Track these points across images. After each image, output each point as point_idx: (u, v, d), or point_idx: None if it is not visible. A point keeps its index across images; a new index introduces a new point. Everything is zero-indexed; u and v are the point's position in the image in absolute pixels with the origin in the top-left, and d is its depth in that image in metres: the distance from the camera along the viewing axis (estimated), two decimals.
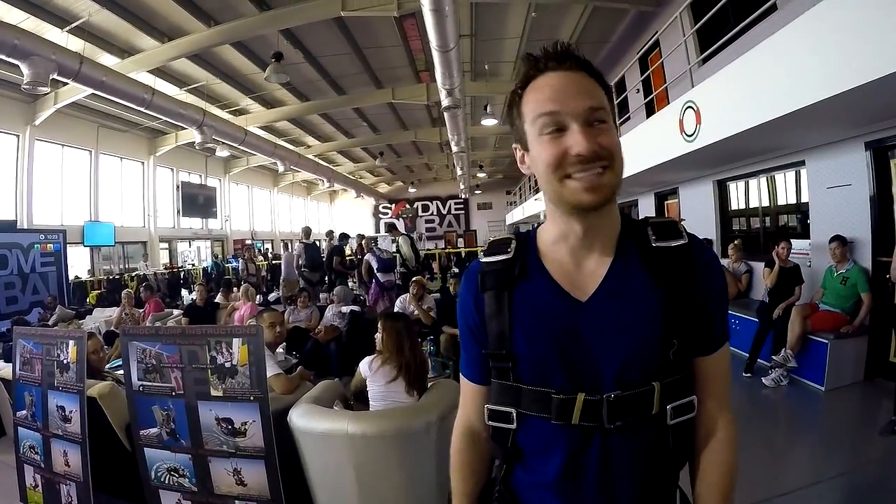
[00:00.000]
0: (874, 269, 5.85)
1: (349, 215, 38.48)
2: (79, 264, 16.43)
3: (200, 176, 24.00)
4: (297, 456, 3.18)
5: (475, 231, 37.39)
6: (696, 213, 10.31)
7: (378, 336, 3.77)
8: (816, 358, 5.80)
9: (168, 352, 3.02)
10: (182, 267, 21.13)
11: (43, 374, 3.46)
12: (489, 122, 17.05)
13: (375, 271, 9.95)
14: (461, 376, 1.33)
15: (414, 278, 8.10)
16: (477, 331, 1.22)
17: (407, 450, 2.93)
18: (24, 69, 8.96)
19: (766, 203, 8.46)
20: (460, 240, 36.53)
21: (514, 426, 1.16)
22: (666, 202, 12.39)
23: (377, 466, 3.00)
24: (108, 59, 11.65)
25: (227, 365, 2.89)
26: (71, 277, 14.28)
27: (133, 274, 17.49)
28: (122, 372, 3.41)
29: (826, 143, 6.42)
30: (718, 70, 6.16)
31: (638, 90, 11.06)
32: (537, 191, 18.33)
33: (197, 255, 24.35)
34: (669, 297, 1.09)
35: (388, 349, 3.65)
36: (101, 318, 9.55)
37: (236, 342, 2.89)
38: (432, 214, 39.03)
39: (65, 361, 3.35)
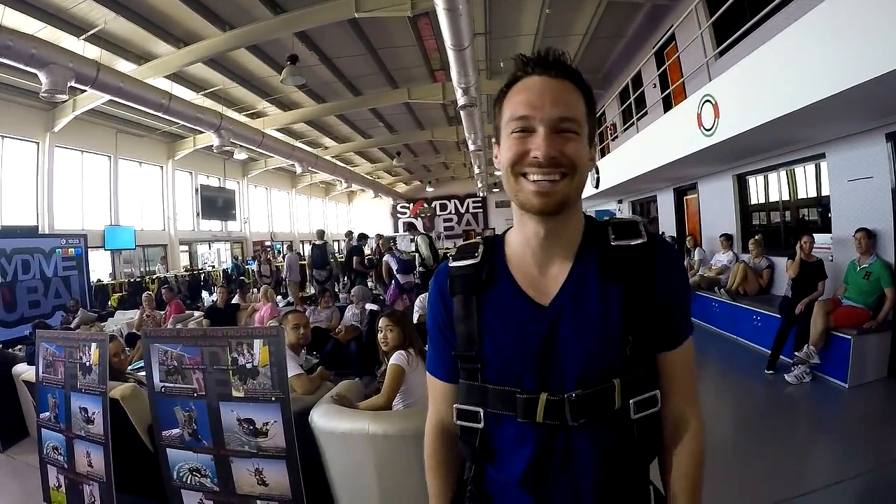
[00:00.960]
0: None
1: (367, 216, 38.57)
2: (100, 268, 16.60)
3: (219, 179, 24.15)
4: (318, 456, 3.19)
5: (493, 229, 37.21)
6: (716, 209, 10.24)
7: (389, 335, 3.79)
8: (839, 354, 5.71)
9: (189, 353, 3.04)
10: (202, 269, 21.30)
11: (66, 377, 3.51)
12: None
13: (395, 272, 9.97)
14: (429, 375, 1.36)
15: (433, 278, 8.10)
16: (446, 332, 1.26)
17: None
18: (42, 77, 9.06)
19: (786, 197, 8.36)
20: (478, 238, 36.41)
21: (481, 425, 1.18)
22: (685, 197, 12.31)
23: (398, 466, 2.99)
24: (124, 66, 11.76)
25: (249, 366, 2.91)
26: (93, 281, 14.47)
27: (154, 277, 17.66)
28: (143, 374, 3.45)
29: (846, 136, 6.33)
30: (735, 63, 6.11)
31: (655, 85, 10.99)
32: None
33: (217, 258, 24.52)
34: (626, 295, 1.11)
35: (415, 340, 3.73)
36: (122, 320, 9.64)
37: (257, 343, 2.91)
38: (450, 213, 38.97)
39: (87, 364, 3.39)
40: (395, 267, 10.00)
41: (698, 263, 10.09)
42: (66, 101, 12.39)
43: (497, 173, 30.61)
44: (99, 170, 17.37)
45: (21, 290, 11.32)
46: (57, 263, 12.37)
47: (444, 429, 1.33)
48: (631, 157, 9.96)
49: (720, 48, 7.53)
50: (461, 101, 12.37)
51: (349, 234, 15.32)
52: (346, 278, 13.30)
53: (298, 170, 21.33)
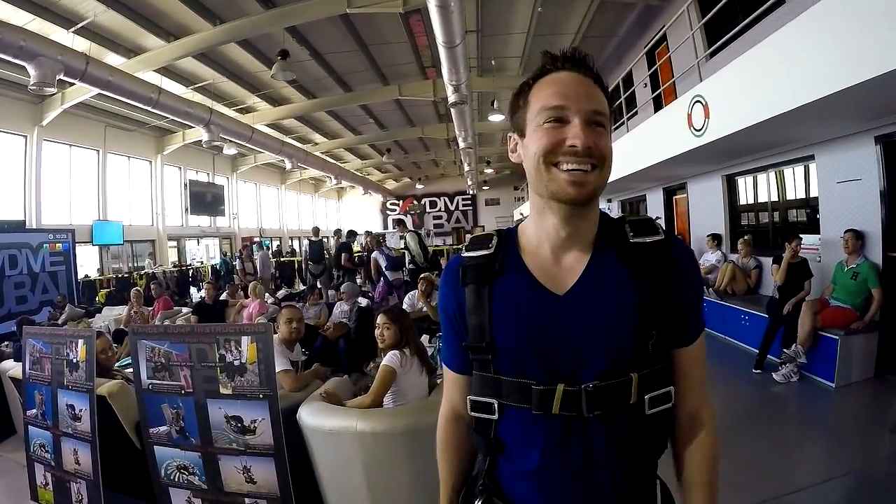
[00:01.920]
0: (885, 265, 5.81)
1: (357, 212, 38.50)
2: (88, 263, 16.52)
3: (208, 174, 24.08)
4: (306, 453, 3.19)
5: (483, 227, 37.17)
6: (705, 208, 10.28)
7: (385, 332, 3.74)
8: (826, 354, 5.75)
9: (177, 350, 3.03)
10: (190, 265, 21.20)
11: (53, 373, 3.48)
12: (496, 118, 16.98)
13: (384, 269, 9.95)
14: (444, 366, 1.38)
15: (422, 275, 8.10)
16: (457, 323, 1.26)
17: (416, 447, 2.92)
18: (31, 70, 9.00)
19: (774, 198, 8.40)
20: (468, 236, 36.42)
21: (495, 416, 1.19)
22: (674, 197, 12.35)
23: (387, 464, 3.00)
24: (114, 59, 11.69)
25: (236, 363, 2.89)
26: (80, 276, 14.36)
27: (142, 272, 17.56)
28: (131, 370, 3.42)
29: (835, 138, 6.37)
30: (726, 64, 6.14)
31: (646, 84, 11.03)
32: None
33: (206, 253, 24.42)
34: (647, 291, 1.12)
35: (412, 340, 3.69)
36: (110, 316, 9.58)
37: (245, 340, 2.89)
38: (440, 210, 39.01)
39: (74, 360, 3.36)
40: (383, 264, 9.99)
41: None
42: (54, 94, 12.36)
43: (488, 171, 30.93)
44: (87, 164, 17.28)
45: (8, 285, 11.22)
46: (44, 259, 12.26)
47: (457, 418, 1.35)
48: (621, 156, 9.92)
49: (711, 49, 7.57)
50: (452, 98, 12.38)
51: (338, 231, 15.30)
52: (334, 275, 13.34)
53: (288, 166, 21.27)
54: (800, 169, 7.62)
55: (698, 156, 7.69)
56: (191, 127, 16.59)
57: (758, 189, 8.88)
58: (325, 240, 13.48)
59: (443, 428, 1.40)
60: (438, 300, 1.36)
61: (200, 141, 15.95)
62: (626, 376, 1.09)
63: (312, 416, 3.13)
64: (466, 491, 1.35)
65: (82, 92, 12.84)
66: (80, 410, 3.32)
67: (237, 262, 13.98)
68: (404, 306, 7.21)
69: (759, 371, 6.29)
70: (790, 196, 8.08)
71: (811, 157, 6.99)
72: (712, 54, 7.70)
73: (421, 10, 9.82)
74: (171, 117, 14.36)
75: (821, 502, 3.58)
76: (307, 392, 3.61)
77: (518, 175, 33.94)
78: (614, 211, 16.08)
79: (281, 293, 12.98)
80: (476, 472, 1.33)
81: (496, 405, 1.18)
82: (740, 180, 9.30)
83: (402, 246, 11.33)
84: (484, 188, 36.41)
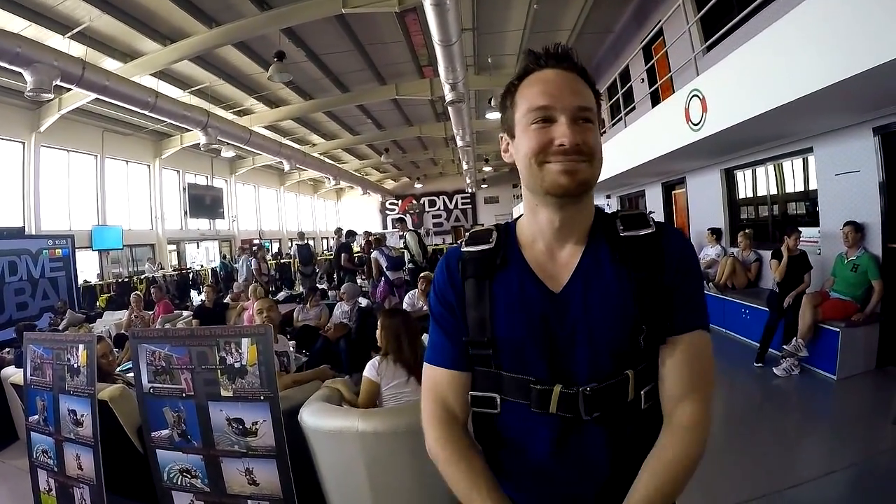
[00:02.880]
0: (885, 256, 5.81)
1: (356, 212, 38.49)
2: (88, 268, 16.51)
3: (206, 177, 24.06)
4: (308, 455, 3.19)
5: (483, 225, 36.95)
6: (704, 203, 10.28)
7: (378, 333, 3.74)
8: (828, 347, 5.75)
9: (177, 353, 3.02)
10: (190, 268, 21.20)
11: (54, 379, 3.48)
12: (494, 116, 16.88)
13: (384, 269, 9.96)
14: (429, 366, 1.28)
15: (421, 274, 8.10)
16: (454, 316, 1.24)
17: (419, 447, 2.87)
18: (27, 76, 8.98)
19: (773, 191, 8.40)
20: (467, 234, 36.39)
21: (497, 411, 1.18)
22: (673, 192, 12.36)
23: (389, 464, 2.99)
24: (110, 64, 11.68)
25: (237, 365, 2.89)
26: (80, 281, 14.37)
27: (142, 276, 17.56)
28: (132, 375, 3.42)
29: (833, 130, 6.36)
30: (723, 58, 6.14)
31: (643, 80, 11.02)
32: None
33: (205, 256, 24.42)
34: (639, 285, 1.12)
35: (392, 349, 3.58)
36: (111, 321, 9.58)
37: (245, 342, 2.89)
38: (439, 209, 38.99)
39: (75, 365, 3.36)
40: (384, 264, 9.99)
41: None
42: (51, 99, 12.34)
43: (486, 169, 30.92)
44: (85, 169, 17.27)
45: (8, 291, 11.23)
46: (44, 264, 12.27)
47: (454, 418, 1.23)
48: (619, 151, 9.97)
49: (708, 43, 7.57)
50: (449, 96, 12.35)
51: (338, 231, 15.33)
52: (335, 275, 13.43)
53: (286, 167, 21.24)
54: (798, 161, 7.62)
55: (696, 150, 7.69)
56: (188, 130, 16.59)
57: (757, 182, 8.87)
58: (310, 242, 13.63)
59: (443, 434, 1.23)
60: (433, 291, 1.31)
61: (198, 144, 15.93)
62: (622, 375, 1.10)
63: (314, 417, 3.13)
64: None
65: (79, 97, 12.83)
66: (82, 415, 3.31)
67: (252, 262, 14.02)
68: (404, 306, 7.21)
69: (760, 365, 6.29)
70: (789, 189, 8.08)
71: (810, 150, 6.98)
72: (709, 48, 7.71)
73: (417, 9, 9.79)
74: (169, 121, 14.35)
75: (823, 495, 3.57)
76: (308, 393, 3.60)
77: (517, 173, 33.66)
78: (613, 206, 16.08)
79: (281, 295, 12.99)
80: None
81: (498, 400, 1.17)
82: (739, 174, 9.30)
83: (402, 245, 11.33)
84: (483, 186, 36.36)
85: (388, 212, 38.68)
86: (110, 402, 3.48)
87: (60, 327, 9.11)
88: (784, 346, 5.99)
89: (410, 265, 10.79)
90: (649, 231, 1.16)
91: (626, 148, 9.67)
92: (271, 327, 3.02)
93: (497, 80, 14.87)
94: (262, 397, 2.86)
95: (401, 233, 11.98)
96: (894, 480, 3.72)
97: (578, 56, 1.18)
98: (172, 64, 12.08)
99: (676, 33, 8.47)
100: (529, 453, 1.16)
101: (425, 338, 4.48)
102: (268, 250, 24.18)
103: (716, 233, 9.16)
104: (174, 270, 19.91)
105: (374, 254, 10.39)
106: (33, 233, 13.81)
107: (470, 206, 38.65)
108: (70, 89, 11.34)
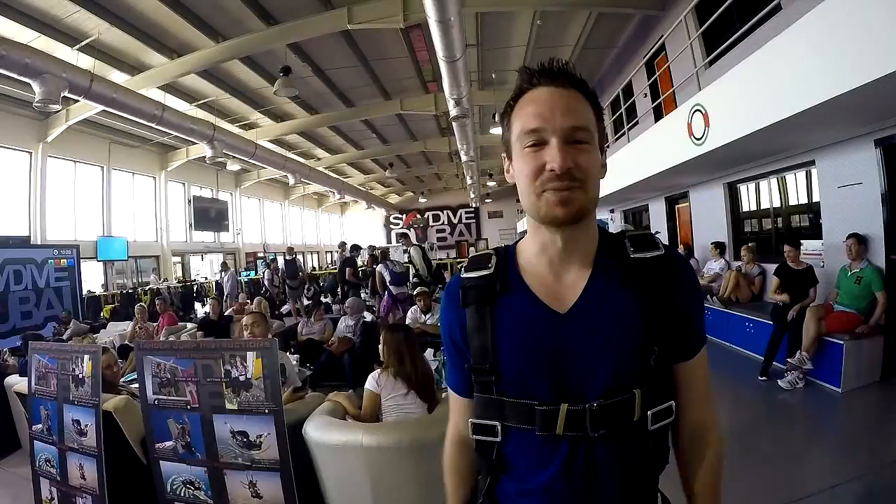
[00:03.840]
0: (888, 268, 5.80)
1: (360, 226, 38.56)
2: (92, 279, 16.52)
3: (212, 190, 24.12)
4: (312, 468, 3.19)
5: (486, 240, 37.30)
6: (707, 217, 10.28)
7: (381, 347, 3.77)
8: (832, 359, 5.73)
9: (182, 366, 3.04)
10: (195, 280, 21.23)
11: (58, 389, 3.50)
12: (498, 131, 16.87)
13: (388, 284, 9.97)
14: (448, 389, 1.36)
15: (417, 290, 8.10)
16: (460, 345, 1.24)
17: (422, 461, 2.92)
18: (36, 87, 9.06)
19: (777, 204, 8.41)
20: (472, 249, 36.41)
21: (498, 439, 1.17)
22: (677, 206, 12.36)
23: (393, 478, 2.99)
24: (118, 77, 11.77)
25: (242, 378, 2.91)
26: (85, 292, 14.40)
27: (146, 288, 17.59)
28: (136, 386, 3.43)
29: (835, 142, 6.38)
30: (725, 72, 6.17)
31: (645, 95, 11.06)
32: None
33: (210, 269, 24.45)
34: (649, 307, 1.11)
35: (391, 363, 3.62)
36: (115, 332, 9.60)
37: (250, 355, 2.91)
38: (443, 224, 38.98)
39: (80, 376, 3.38)
40: (387, 279, 10.00)
41: None
42: (59, 111, 12.38)
43: (490, 184, 30.97)
44: (92, 180, 17.32)
45: (13, 300, 11.28)
46: (49, 274, 12.33)
47: (463, 441, 1.31)
48: (622, 166, 10.00)
49: (710, 58, 7.59)
50: (453, 112, 12.43)
51: (342, 245, 15.39)
52: (338, 289, 13.49)
53: (291, 181, 21.33)
54: (801, 174, 7.64)
55: (699, 164, 7.71)
56: (194, 143, 16.65)
57: (760, 196, 8.89)
58: (296, 258, 14.27)
59: (449, 452, 1.39)
60: (440, 323, 1.34)
61: (204, 157, 16.04)
62: (628, 393, 1.08)
63: (318, 431, 3.13)
64: None
65: (87, 109, 12.90)
66: (86, 425, 3.33)
67: (265, 274, 14.31)
68: (407, 321, 7.22)
69: (764, 378, 6.26)
70: (792, 202, 8.09)
71: (812, 163, 7.00)
72: (711, 63, 7.73)
73: (421, 25, 9.88)
74: (175, 134, 14.41)
75: None
76: (312, 407, 3.60)
77: None
78: (617, 221, 16.09)
79: (285, 308, 13.00)
80: (476, 489, 1.31)
81: (499, 427, 1.16)
82: (742, 187, 9.31)
83: (406, 260, 11.35)
84: (487, 201, 36.40)
85: (392, 226, 38.70)
86: (114, 413, 3.48)
87: (64, 337, 9.13)
88: (788, 360, 5.97)
89: (415, 280, 10.79)
90: (659, 253, 1.15)
91: (630, 162, 9.69)
92: (276, 341, 3.03)
93: (501, 95, 14.94)
94: (266, 410, 2.88)
95: (404, 247, 11.99)
96: None
97: (576, 69, 1.14)
98: (179, 77, 12.19)
99: (679, 48, 8.51)
100: (536, 478, 1.14)
101: (429, 353, 4.50)
102: (273, 262, 24.24)
103: (719, 247, 9.15)
104: (178, 282, 19.92)
105: (379, 268, 10.40)
106: (39, 242, 13.85)
107: (474, 220, 38.64)
108: (78, 101, 11.40)
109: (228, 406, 2.93)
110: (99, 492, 3.28)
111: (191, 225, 22.35)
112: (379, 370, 3.65)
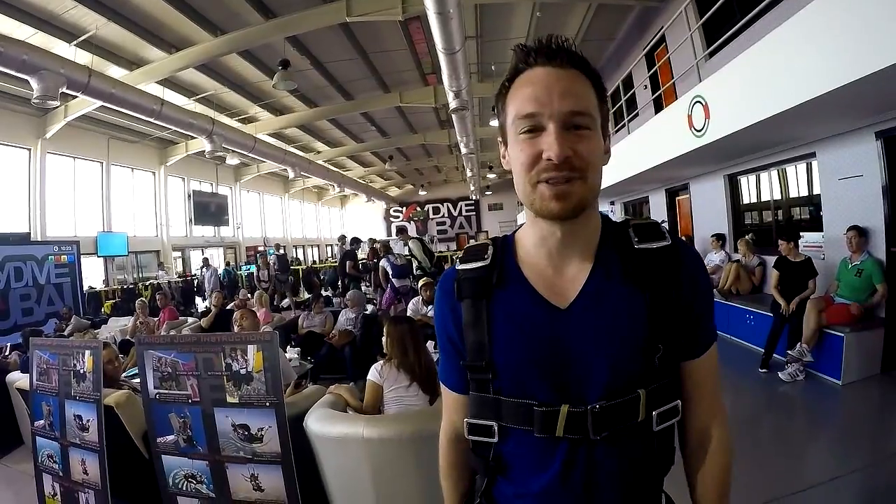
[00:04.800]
0: (889, 260, 5.80)
1: (360, 219, 38.51)
2: (93, 275, 16.51)
3: (211, 184, 24.10)
4: (313, 461, 3.20)
5: (487, 232, 37.22)
6: (708, 209, 10.28)
7: (384, 339, 3.78)
8: (832, 352, 5.74)
9: (183, 360, 3.04)
10: (195, 275, 21.24)
11: (60, 384, 3.50)
12: (497, 123, 16.96)
13: (390, 277, 9.98)
14: (442, 384, 1.30)
15: (421, 282, 8.10)
16: (454, 340, 1.19)
17: (424, 453, 2.91)
18: (34, 84, 9.04)
19: (777, 196, 8.40)
20: (471, 241, 36.18)
21: (495, 440, 1.12)
22: (677, 198, 12.36)
23: (394, 470, 3.00)
24: (116, 72, 11.75)
25: (243, 372, 2.91)
26: (85, 288, 14.39)
27: (147, 283, 17.59)
28: (138, 380, 3.44)
29: (836, 134, 6.37)
30: (726, 64, 6.15)
31: (646, 86, 11.03)
32: None
33: (212, 263, 24.44)
34: (653, 301, 1.05)
35: (395, 355, 3.63)
36: (115, 327, 9.60)
37: (251, 349, 2.91)
38: (443, 217, 38.97)
39: (81, 371, 3.38)
40: (390, 272, 10.01)
41: None
42: (57, 107, 12.38)
43: (490, 176, 30.93)
44: (91, 176, 17.30)
45: (14, 297, 11.26)
46: (49, 270, 12.31)
47: (458, 437, 1.25)
48: (622, 158, 9.97)
49: (710, 49, 7.57)
50: (453, 104, 12.41)
51: (342, 238, 15.38)
52: (339, 282, 13.52)
53: (291, 174, 21.29)
54: (802, 166, 7.62)
55: (700, 156, 7.70)
56: (193, 138, 16.65)
57: (760, 188, 8.88)
58: (285, 254, 14.87)
59: (445, 450, 1.33)
60: (435, 317, 1.28)
61: (203, 151, 15.99)
62: (633, 393, 1.03)
63: (319, 424, 3.14)
64: None
65: (85, 105, 12.86)
66: (88, 421, 3.33)
67: (254, 270, 14.48)
68: (409, 312, 7.22)
69: (765, 370, 6.27)
70: (793, 194, 8.08)
71: (812, 155, 6.98)
72: (711, 54, 7.70)
73: (420, 18, 9.85)
74: (174, 128, 14.42)
75: (829, 501, 3.57)
76: (313, 399, 3.61)
77: None
78: (617, 213, 16.09)
79: (286, 302, 13.03)
80: (474, 489, 1.27)
81: (496, 428, 1.11)
82: (742, 179, 9.30)
83: (406, 253, 11.35)
84: (487, 193, 36.36)
85: (392, 219, 38.70)
86: (116, 408, 3.49)
87: (66, 333, 9.12)
88: (789, 352, 5.98)
89: (418, 272, 10.78)
90: (666, 244, 1.09)
91: (630, 154, 9.67)
92: (276, 334, 3.03)
93: None
94: (267, 403, 2.88)
95: (402, 241, 11.98)
96: None
97: (577, 47, 1.06)
98: (178, 72, 12.12)
99: (679, 40, 8.48)
100: (534, 481, 1.09)
101: (430, 345, 4.50)
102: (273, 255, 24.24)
103: (720, 239, 9.15)
104: (179, 277, 19.92)
105: (382, 262, 10.41)
106: (39, 239, 13.83)
107: (474, 213, 38.63)
108: (76, 97, 11.38)
109: (229, 399, 2.94)
110: (101, 486, 3.29)
111: (191, 219, 22.34)
112: (382, 361, 3.66)
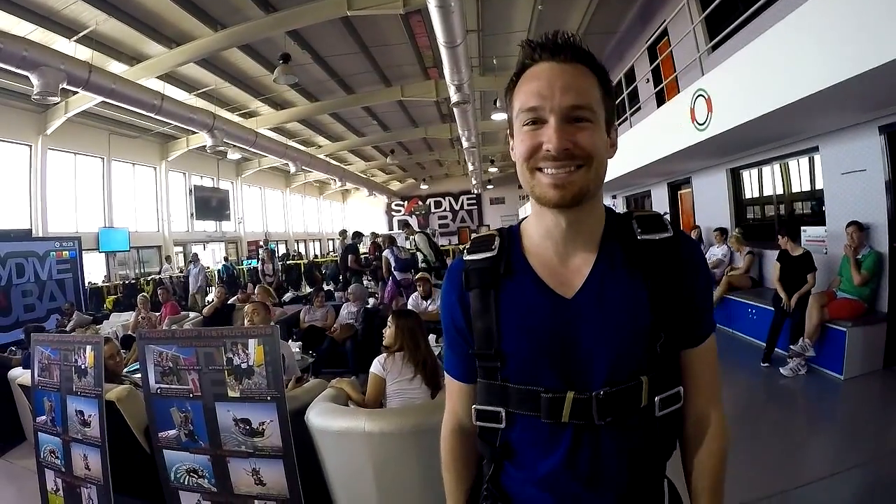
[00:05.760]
0: (891, 255, 5.79)
1: (362, 214, 38.63)
2: (95, 270, 16.54)
3: (213, 179, 24.11)
4: (315, 455, 3.19)
5: (488, 226, 37.20)
6: (710, 203, 10.26)
7: (388, 331, 3.76)
8: (834, 346, 5.73)
9: (184, 354, 3.04)
10: (179, 274, 21.25)
11: (61, 380, 3.50)
12: (499, 117, 16.93)
13: (393, 270, 9.98)
14: (446, 375, 1.33)
15: (417, 276, 8.09)
16: (463, 330, 1.21)
17: (425, 447, 2.91)
18: (34, 80, 9.04)
19: (780, 191, 8.37)
20: (473, 235, 36.30)
21: (502, 426, 1.15)
22: (679, 192, 12.34)
23: (396, 464, 3.00)
24: (116, 67, 11.74)
25: (244, 366, 2.90)
26: (87, 283, 14.41)
27: (149, 278, 17.61)
28: (139, 375, 3.43)
29: (839, 129, 6.34)
30: (728, 57, 6.13)
31: (648, 80, 11.00)
32: None
33: (212, 258, 24.45)
34: (656, 290, 1.08)
35: (407, 347, 3.63)
36: (117, 322, 9.62)
37: (252, 343, 2.90)
38: (445, 210, 39.07)
39: (82, 366, 3.38)
40: (393, 264, 10.01)
41: None
42: (58, 103, 12.35)
43: (492, 170, 30.95)
44: (92, 172, 17.33)
45: (16, 293, 11.27)
46: (51, 266, 12.31)
47: (461, 428, 1.30)
48: (625, 152, 9.95)
49: (713, 42, 7.53)
50: (454, 98, 12.39)
51: (342, 232, 15.37)
52: (340, 277, 13.50)
53: (292, 169, 21.31)
54: (804, 161, 7.59)
55: (702, 150, 7.68)
56: (194, 133, 16.66)
57: (763, 182, 8.85)
58: (274, 250, 14.89)
59: (448, 441, 1.35)
60: (441, 307, 1.30)
61: (204, 146, 16.04)
62: (636, 380, 1.06)
63: (320, 418, 3.13)
64: (471, 497, 1.32)
65: (86, 100, 12.89)
66: (90, 416, 3.33)
67: (258, 265, 14.43)
68: (409, 306, 7.22)
69: (766, 364, 6.27)
70: (795, 188, 8.05)
71: (815, 149, 6.96)
72: (714, 48, 7.67)
73: (421, 11, 9.83)
74: (175, 123, 14.40)
75: (830, 496, 3.57)
76: (315, 393, 3.61)
77: None
78: (620, 206, 16.06)
79: (288, 296, 13.02)
80: (481, 475, 1.28)
81: (503, 414, 1.14)
82: (745, 173, 9.28)
83: (410, 247, 11.34)
84: (489, 187, 36.43)
85: (394, 213, 38.78)
86: (117, 403, 3.49)
87: (67, 329, 9.14)
88: (791, 346, 5.97)
89: (423, 265, 10.77)
90: (668, 235, 1.12)
91: (632, 148, 9.65)
92: (277, 328, 3.03)
93: (502, 81, 14.84)
94: (268, 398, 2.87)
95: (406, 235, 11.98)
96: None
97: (581, 41, 1.08)
98: (178, 67, 12.15)
99: (681, 33, 8.45)
100: (541, 466, 1.12)
101: (431, 338, 4.50)
102: (274, 251, 24.24)
103: (723, 233, 9.14)
104: (180, 272, 19.94)
105: (385, 252, 10.41)
106: (40, 235, 13.84)
107: (476, 207, 38.69)
108: (76, 92, 11.39)
109: (231, 394, 2.93)
110: (103, 481, 3.29)
111: (192, 214, 22.36)
112: (385, 355, 3.66)
